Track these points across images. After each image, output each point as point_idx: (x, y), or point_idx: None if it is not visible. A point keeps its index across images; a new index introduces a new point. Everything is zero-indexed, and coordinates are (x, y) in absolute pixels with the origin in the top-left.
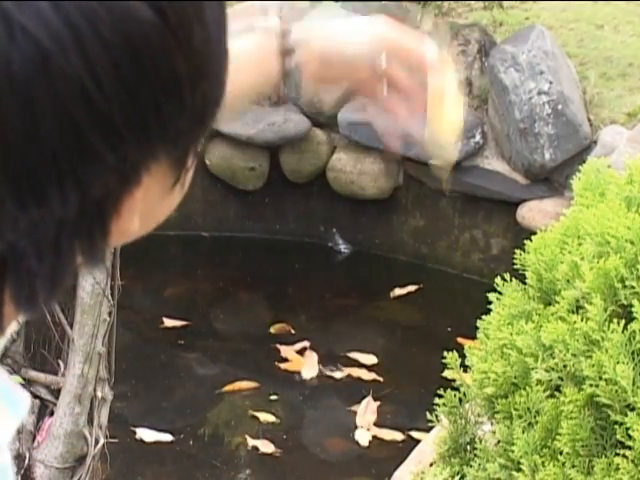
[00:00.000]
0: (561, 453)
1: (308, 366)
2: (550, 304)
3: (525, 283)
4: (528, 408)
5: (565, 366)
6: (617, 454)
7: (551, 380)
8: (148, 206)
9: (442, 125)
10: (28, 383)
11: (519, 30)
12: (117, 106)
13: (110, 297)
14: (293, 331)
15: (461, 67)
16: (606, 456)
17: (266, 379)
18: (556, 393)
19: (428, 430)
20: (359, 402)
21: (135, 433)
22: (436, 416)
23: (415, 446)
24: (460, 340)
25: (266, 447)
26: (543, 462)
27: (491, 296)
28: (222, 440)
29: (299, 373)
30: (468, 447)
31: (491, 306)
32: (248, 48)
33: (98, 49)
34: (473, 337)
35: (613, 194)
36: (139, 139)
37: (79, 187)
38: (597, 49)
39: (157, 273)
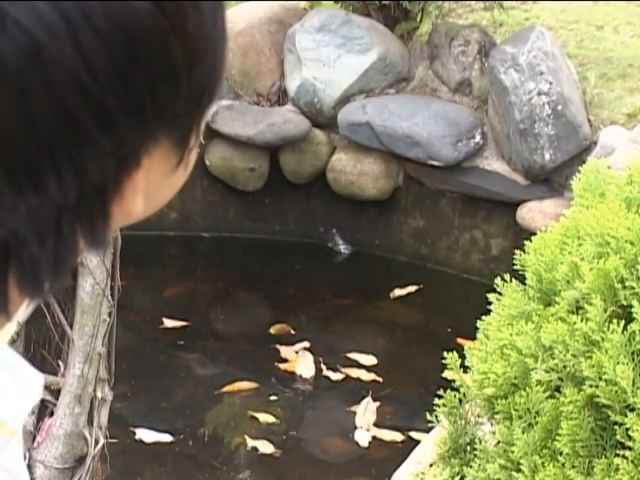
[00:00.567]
0: (561, 454)
1: (302, 365)
2: (550, 305)
3: (525, 284)
4: (528, 409)
5: (565, 367)
6: (617, 455)
7: (551, 381)
8: (152, 186)
9: None
10: None
11: (519, 31)
12: (112, 93)
13: (110, 297)
14: (293, 331)
15: (461, 67)
16: (606, 457)
17: (266, 379)
18: (556, 394)
19: (428, 431)
20: (359, 402)
21: (135, 433)
22: (436, 417)
23: (415, 447)
24: (460, 341)
25: (265, 447)
26: (543, 463)
27: (491, 297)
28: (222, 440)
29: (300, 374)
30: (468, 448)
31: (491, 307)
32: None
33: (91, 39)
34: (473, 338)
35: (613, 195)
36: (135, 124)
37: (76, 173)
38: (597, 50)
39: (157, 273)
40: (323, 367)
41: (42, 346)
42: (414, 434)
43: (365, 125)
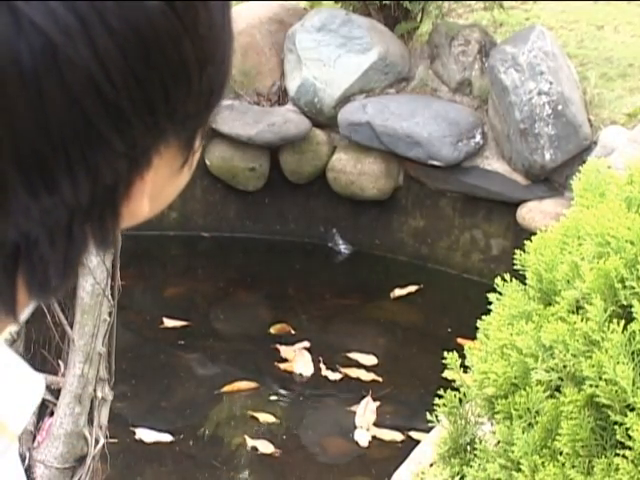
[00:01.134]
0: (561, 453)
1: (300, 364)
2: (550, 304)
3: (525, 283)
4: (528, 408)
5: (565, 366)
6: (617, 454)
7: (551, 380)
8: (157, 188)
9: None
10: None
11: (519, 31)
12: (126, 93)
13: (110, 297)
14: (293, 331)
15: (462, 67)
16: (606, 456)
17: (266, 379)
18: (556, 393)
19: (428, 430)
20: (359, 402)
21: (135, 433)
22: (436, 416)
23: (415, 446)
24: (460, 340)
25: (266, 447)
26: (543, 462)
27: (491, 296)
28: (222, 440)
29: (299, 373)
30: (468, 447)
31: (491, 306)
32: None
33: (106, 39)
34: (473, 337)
35: (613, 194)
36: (148, 124)
37: (90, 174)
38: (597, 50)
39: (157, 273)
40: (323, 367)
41: (42, 346)
42: (414, 434)
43: (365, 125)
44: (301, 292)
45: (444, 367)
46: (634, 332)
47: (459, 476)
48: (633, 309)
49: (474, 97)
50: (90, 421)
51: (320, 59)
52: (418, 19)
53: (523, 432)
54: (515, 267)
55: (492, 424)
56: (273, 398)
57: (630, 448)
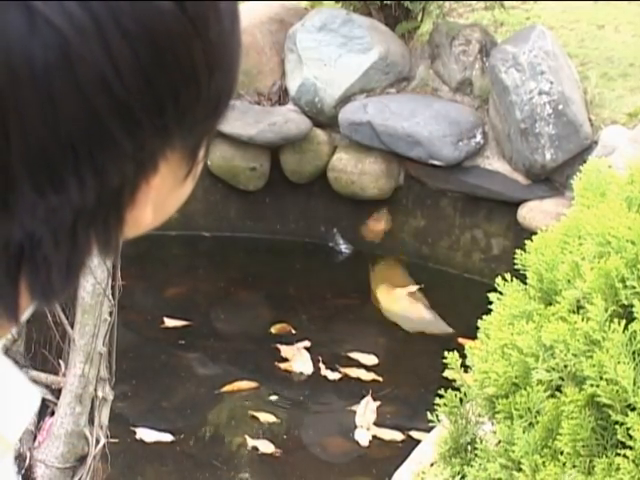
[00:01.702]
0: (562, 453)
1: (299, 363)
2: (551, 304)
3: (526, 283)
4: (529, 408)
5: (566, 366)
6: (618, 454)
7: (552, 380)
8: (161, 197)
9: None
10: None
11: (520, 30)
12: (136, 94)
13: (111, 297)
14: (294, 331)
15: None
16: (607, 456)
17: (266, 379)
18: (557, 393)
19: (428, 430)
20: (359, 402)
21: (135, 433)
22: (437, 416)
23: (415, 446)
24: (461, 340)
25: (266, 447)
26: (544, 462)
27: (492, 296)
28: (222, 440)
29: (299, 373)
30: (469, 447)
31: (492, 306)
32: None
33: (119, 39)
34: (474, 337)
35: (614, 194)
36: (157, 126)
37: (96, 174)
38: (598, 49)
39: (158, 273)
40: (323, 366)
41: (43, 345)
42: (415, 433)
43: (366, 124)
44: (302, 292)
45: (445, 367)
46: (635, 332)
47: (460, 476)
48: (634, 309)
49: (475, 97)
50: (91, 421)
51: (321, 59)
52: (419, 19)
53: (524, 432)
54: (516, 267)
55: (493, 424)
56: (274, 398)
57: (631, 448)
